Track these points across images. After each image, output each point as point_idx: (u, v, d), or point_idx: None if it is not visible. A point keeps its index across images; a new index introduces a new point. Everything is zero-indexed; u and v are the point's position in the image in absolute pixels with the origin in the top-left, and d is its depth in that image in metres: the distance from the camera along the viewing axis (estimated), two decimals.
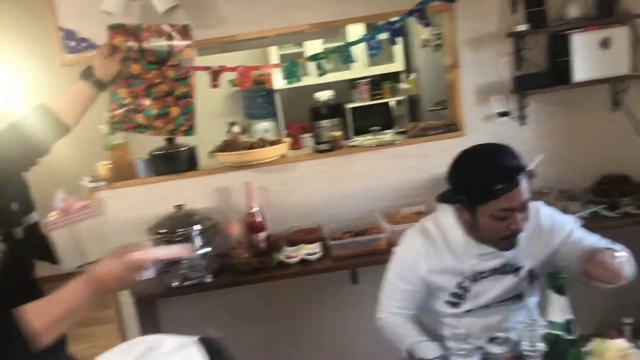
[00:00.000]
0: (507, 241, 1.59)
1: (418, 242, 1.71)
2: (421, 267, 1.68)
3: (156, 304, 2.63)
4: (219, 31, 2.53)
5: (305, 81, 4.61)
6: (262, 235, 2.51)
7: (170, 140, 2.60)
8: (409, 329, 1.67)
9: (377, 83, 4.82)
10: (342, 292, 2.74)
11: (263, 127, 4.75)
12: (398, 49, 4.65)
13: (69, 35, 2.46)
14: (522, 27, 2.46)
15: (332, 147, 2.71)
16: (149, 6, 2.36)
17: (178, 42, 2.27)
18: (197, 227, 2.32)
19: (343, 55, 2.55)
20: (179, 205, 2.40)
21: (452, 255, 1.67)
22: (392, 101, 4.72)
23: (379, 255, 2.40)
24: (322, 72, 2.58)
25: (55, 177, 2.72)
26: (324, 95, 4.77)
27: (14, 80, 4.71)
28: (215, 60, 2.59)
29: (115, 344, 0.82)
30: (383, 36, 2.55)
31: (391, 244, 2.42)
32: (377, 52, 2.57)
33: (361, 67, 4.65)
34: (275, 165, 2.65)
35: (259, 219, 2.53)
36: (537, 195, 2.59)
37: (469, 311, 1.69)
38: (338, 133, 2.77)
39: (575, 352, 1.20)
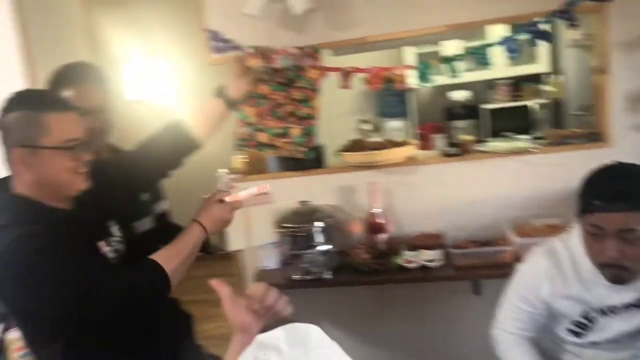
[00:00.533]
0: (609, 271, 1.48)
1: (543, 263, 1.61)
2: (543, 290, 1.58)
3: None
4: (354, 32, 2.56)
5: (440, 80, 4.56)
6: (382, 236, 2.51)
7: None
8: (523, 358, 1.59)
9: (517, 84, 4.58)
10: (462, 302, 2.66)
11: (394, 126, 4.73)
12: (543, 48, 4.37)
13: (215, 36, 2.62)
14: None
15: (461, 152, 2.63)
16: (288, 8, 2.46)
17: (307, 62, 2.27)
18: (319, 223, 2.38)
19: (478, 57, 2.45)
20: (303, 201, 2.48)
21: (579, 281, 1.55)
22: (533, 104, 4.45)
23: (503, 269, 2.29)
24: (455, 74, 2.50)
25: (192, 168, 2.94)
26: (459, 95, 4.65)
27: (168, 74, 5.16)
28: (349, 60, 2.62)
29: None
30: (524, 37, 2.41)
31: (517, 257, 2.30)
32: (516, 55, 2.44)
33: (501, 67, 4.42)
34: (401, 167, 2.63)
35: (380, 220, 2.53)
36: None
37: (594, 343, 1.55)
38: (469, 137, 2.68)
39: None
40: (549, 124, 4.29)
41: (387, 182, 2.64)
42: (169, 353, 1.65)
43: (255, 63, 2.16)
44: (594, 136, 2.51)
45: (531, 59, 4.45)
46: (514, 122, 4.39)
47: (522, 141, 2.66)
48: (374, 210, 2.53)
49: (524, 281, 1.65)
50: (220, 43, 2.61)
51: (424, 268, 2.36)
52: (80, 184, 1.42)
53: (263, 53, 2.21)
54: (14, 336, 2.58)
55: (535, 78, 4.54)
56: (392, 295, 2.71)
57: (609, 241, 1.44)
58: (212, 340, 2.25)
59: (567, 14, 2.34)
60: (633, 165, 1.53)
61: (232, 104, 1.92)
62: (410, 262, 2.38)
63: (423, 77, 2.49)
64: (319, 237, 2.40)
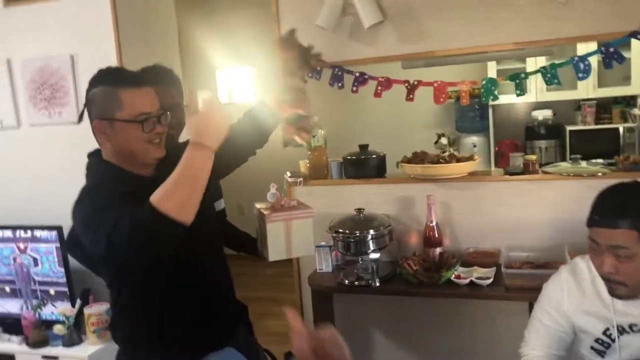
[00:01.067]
0: (607, 285, 1.52)
1: (563, 276, 1.67)
2: (565, 305, 1.60)
3: (331, 296, 2.82)
4: (421, 46, 2.60)
5: (524, 98, 4.46)
6: (437, 250, 2.52)
7: (363, 147, 2.76)
8: None
9: (606, 106, 4.38)
10: (515, 323, 2.59)
11: (472, 142, 4.68)
12: (637, 69, 4.15)
13: None
14: None
15: (524, 171, 2.58)
16: (358, 21, 2.55)
17: None
18: (372, 231, 2.44)
19: (547, 76, 2.41)
20: (359, 209, 2.54)
21: (597, 297, 1.56)
22: (622, 127, 4.24)
23: None
24: (520, 92, 2.47)
25: (263, 170, 3.09)
26: (541, 114, 4.52)
27: (256, 80, 5.41)
28: (428, 73, 2.67)
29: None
30: (595, 57, 2.35)
31: None
32: (585, 76, 2.38)
33: (589, 88, 4.28)
34: (461, 182, 2.63)
35: (436, 233, 2.54)
36: None
37: None
38: (533, 157, 2.62)
39: None
40: (637, 150, 4.08)
41: (446, 196, 2.65)
42: (220, 333, 1.72)
43: None
44: None
45: (624, 80, 4.24)
46: (599, 145, 4.21)
47: (592, 165, 2.56)
48: (431, 222, 2.55)
49: (546, 296, 1.69)
50: None
51: (473, 285, 2.34)
52: (155, 153, 1.56)
53: None
54: (91, 311, 2.85)
55: (628, 100, 4.32)
56: (444, 309, 2.70)
57: (603, 256, 1.50)
58: (272, 337, 2.38)
59: None
60: (636, 184, 1.56)
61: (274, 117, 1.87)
62: (460, 277, 2.37)
63: (488, 93, 2.48)
64: (371, 245, 2.45)
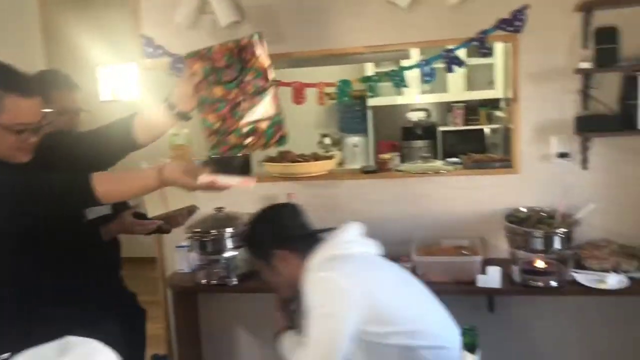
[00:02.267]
0: None
1: None
2: None
3: (196, 297, 2.81)
4: (281, 47, 2.64)
5: (400, 100, 4.66)
6: None
7: None
8: None
9: (474, 108, 4.66)
10: None
11: (353, 142, 4.81)
12: (500, 74, 4.46)
13: (149, 42, 2.73)
14: (586, 65, 2.27)
15: (378, 169, 2.70)
16: (217, 21, 2.56)
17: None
18: (229, 229, 2.45)
19: (395, 79, 2.54)
20: (219, 208, 2.55)
21: None
22: (487, 128, 4.53)
23: None
24: (373, 94, 2.59)
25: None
26: (416, 116, 4.73)
27: (117, 77, 5.25)
28: (308, 73, 2.70)
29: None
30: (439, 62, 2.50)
31: (417, 275, 2.38)
32: (430, 79, 2.52)
33: (458, 91, 4.53)
34: (321, 180, 2.71)
35: None
36: (589, 247, 2.40)
37: None
38: (387, 156, 2.75)
39: None
40: (502, 149, 4.37)
41: (306, 194, 2.71)
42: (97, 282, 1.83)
43: (198, 67, 2.01)
44: (505, 162, 2.59)
45: (489, 84, 4.54)
46: (467, 145, 4.45)
47: (437, 164, 2.73)
48: None
49: None
50: (151, 48, 2.71)
51: None
52: (21, 158, 1.54)
53: (204, 56, 2.04)
54: None
55: (493, 103, 4.62)
56: None
57: None
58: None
59: (480, 43, 2.44)
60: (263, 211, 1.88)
61: (182, 117, 1.89)
62: None
63: (342, 94, 2.57)
64: (230, 243, 2.46)
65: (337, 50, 2.60)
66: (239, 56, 2.01)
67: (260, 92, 1.97)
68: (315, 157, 2.73)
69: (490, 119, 4.57)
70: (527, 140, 2.51)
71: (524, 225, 2.30)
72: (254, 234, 1.84)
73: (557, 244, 2.20)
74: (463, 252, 2.42)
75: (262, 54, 1.98)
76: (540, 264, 2.34)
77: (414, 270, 2.37)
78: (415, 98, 4.65)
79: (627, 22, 2.29)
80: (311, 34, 2.60)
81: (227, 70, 1.99)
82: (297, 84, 2.61)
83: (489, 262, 2.36)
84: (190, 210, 2.11)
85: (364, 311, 1.54)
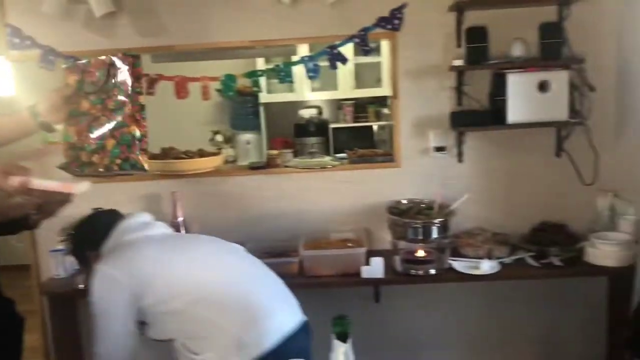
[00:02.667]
0: None
1: None
2: None
3: (74, 303, 2.65)
4: (161, 40, 2.56)
5: (292, 97, 4.68)
6: None
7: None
8: None
9: (363, 106, 4.78)
10: None
11: (245, 139, 4.76)
12: (387, 72, 4.60)
13: (15, 32, 2.53)
14: (459, 62, 2.40)
15: (265, 165, 2.69)
16: (91, 11, 2.42)
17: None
18: None
19: (280, 75, 2.53)
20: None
21: None
22: (375, 125, 4.67)
23: (290, 279, 2.37)
24: (258, 89, 2.57)
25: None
26: (308, 113, 4.77)
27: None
28: (199, 68, 2.60)
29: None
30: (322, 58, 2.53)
31: (304, 269, 2.39)
32: (315, 75, 2.54)
33: (348, 89, 4.63)
34: (208, 177, 2.65)
35: (182, 229, 2.52)
36: (465, 235, 2.53)
37: None
38: (276, 152, 2.75)
39: None
40: (388, 145, 4.52)
41: (193, 191, 2.65)
42: None
43: (73, 80, 1.93)
44: (388, 157, 2.67)
45: (377, 82, 4.67)
46: (357, 141, 4.56)
47: (325, 159, 2.76)
48: (176, 219, 2.52)
49: None
50: (18, 39, 2.52)
51: None
52: None
53: (80, 67, 1.95)
54: None
55: (381, 101, 4.77)
56: None
57: None
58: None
59: (360, 40, 2.49)
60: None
61: (46, 128, 1.78)
62: None
63: (227, 88, 2.53)
64: None
65: (221, 44, 2.55)
66: (109, 71, 1.90)
67: (118, 109, 1.88)
68: (201, 154, 2.67)
69: (378, 116, 4.71)
70: (407, 135, 2.61)
71: (405, 216, 2.39)
72: (72, 241, 1.94)
73: (435, 233, 2.31)
74: (349, 244, 2.47)
75: (129, 72, 1.88)
76: (420, 253, 2.44)
77: (301, 265, 2.39)
78: (306, 95, 4.69)
79: (496, 22, 2.43)
80: (194, 27, 2.54)
81: (98, 84, 1.90)
82: (179, 78, 2.54)
83: (373, 253, 2.42)
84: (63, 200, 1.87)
85: (137, 289, 1.67)
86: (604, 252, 2.27)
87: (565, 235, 2.47)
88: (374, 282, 2.38)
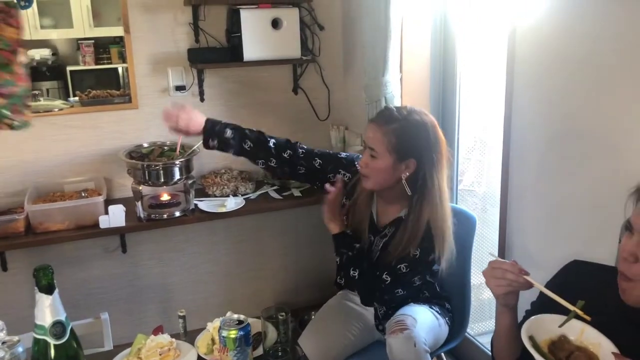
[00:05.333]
0: None
1: None
2: None
3: None
4: None
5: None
6: None
7: None
8: None
9: (105, 46, 4.39)
10: None
11: None
12: None
13: None
14: None
15: None
16: None
17: None
18: None
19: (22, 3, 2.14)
20: None
21: None
22: (120, 67, 4.34)
23: (16, 239, 2.11)
24: None
25: None
26: (39, 54, 4.22)
27: None
28: None
29: None
30: None
31: (32, 226, 2.14)
32: (27, 5, 2.21)
33: (85, 27, 4.18)
34: None
35: None
36: (211, 175, 2.52)
37: None
38: None
39: (69, 355, 1.05)
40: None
41: None
42: None
43: None
44: (124, 97, 2.50)
45: (118, 20, 4.31)
46: (101, 84, 4.20)
47: (55, 102, 2.47)
48: None
49: None
50: None
51: None
52: None
53: None
54: None
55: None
56: None
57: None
58: None
59: None
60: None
61: None
62: None
63: None
64: None
65: None
66: None
67: (2, 64, 1.80)
68: None
69: (123, 57, 4.39)
70: (144, 74, 2.47)
71: (147, 160, 2.27)
72: None
73: (177, 174, 2.24)
74: (84, 195, 2.27)
75: (18, 25, 1.89)
76: (165, 197, 2.36)
77: (28, 222, 2.13)
78: (34, 33, 4.13)
79: None
80: None
81: None
82: None
83: (114, 202, 2.28)
84: None
85: None
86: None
87: None
88: (115, 232, 2.24)
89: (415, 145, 1.59)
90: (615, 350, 0.95)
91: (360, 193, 1.74)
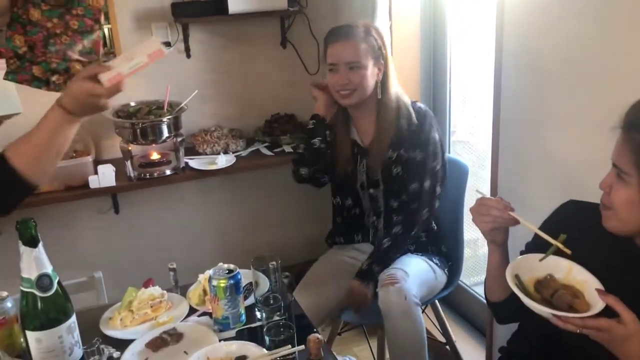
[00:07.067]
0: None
1: None
2: None
3: None
4: None
5: None
6: None
7: None
8: None
9: None
10: None
11: None
12: None
13: None
14: None
15: None
16: None
17: None
18: None
19: None
20: None
21: None
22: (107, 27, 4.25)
23: None
24: None
25: None
26: None
27: None
28: None
29: None
30: None
31: None
32: None
33: None
34: None
35: None
36: (201, 133, 2.50)
37: None
38: None
39: (57, 308, 1.04)
40: None
41: None
42: None
43: None
44: (112, 56, 2.44)
45: None
46: None
47: None
48: None
49: None
50: None
51: None
52: None
53: None
54: None
55: None
56: None
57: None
58: None
59: None
60: None
61: None
62: None
63: None
64: None
65: None
66: None
67: (85, 31, 1.81)
68: None
69: (108, 18, 4.29)
70: (127, 31, 2.40)
71: (134, 119, 2.23)
72: None
73: (165, 132, 2.21)
74: (73, 155, 2.25)
75: None
76: (154, 155, 2.34)
77: None
78: None
79: None
80: None
81: None
82: None
83: (104, 162, 2.26)
84: None
85: None
86: None
87: (294, 125, 2.59)
88: (105, 192, 2.23)
89: (379, 46, 1.75)
90: (600, 286, 0.96)
91: (336, 126, 1.87)
